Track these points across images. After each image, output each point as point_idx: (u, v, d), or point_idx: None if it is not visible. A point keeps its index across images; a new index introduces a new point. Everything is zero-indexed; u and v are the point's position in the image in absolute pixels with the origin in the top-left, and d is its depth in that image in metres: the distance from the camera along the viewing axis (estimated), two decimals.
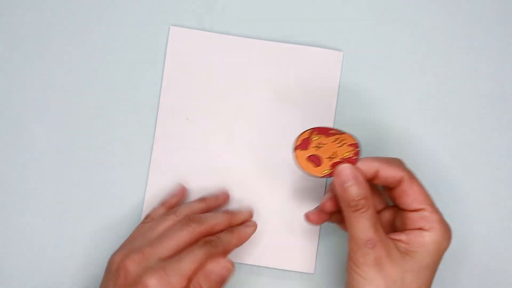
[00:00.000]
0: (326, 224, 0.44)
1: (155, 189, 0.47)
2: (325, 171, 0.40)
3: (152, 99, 0.48)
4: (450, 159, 0.48)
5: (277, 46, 0.48)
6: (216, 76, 0.48)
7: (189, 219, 0.41)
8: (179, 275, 0.37)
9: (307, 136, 0.41)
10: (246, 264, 0.47)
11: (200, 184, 0.47)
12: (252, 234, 0.43)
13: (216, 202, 0.46)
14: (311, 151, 0.40)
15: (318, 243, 0.47)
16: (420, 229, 0.39)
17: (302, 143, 0.41)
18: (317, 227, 0.47)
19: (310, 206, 0.44)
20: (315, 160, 0.40)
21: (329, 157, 0.40)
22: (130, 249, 0.39)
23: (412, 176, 0.40)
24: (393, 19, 0.49)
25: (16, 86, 0.48)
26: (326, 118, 0.48)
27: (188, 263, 0.38)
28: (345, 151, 0.40)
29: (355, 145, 0.40)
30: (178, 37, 0.48)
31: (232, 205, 0.47)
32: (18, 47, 0.48)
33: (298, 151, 0.40)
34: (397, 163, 0.41)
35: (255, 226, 0.44)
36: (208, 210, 0.45)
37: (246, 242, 0.43)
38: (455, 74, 0.49)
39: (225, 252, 0.41)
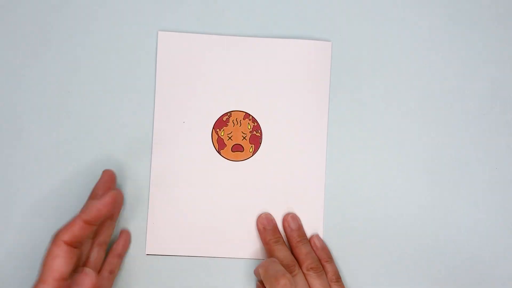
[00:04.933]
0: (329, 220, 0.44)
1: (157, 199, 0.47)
2: None
3: (147, 104, 0.48)
4: (450, 159, 0.48)
5: (265, 42, 0.48)
6: (208, 77, 0.48)
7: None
8: None
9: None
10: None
11: (202, 186, 0.47)
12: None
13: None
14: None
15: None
16: None
17: None
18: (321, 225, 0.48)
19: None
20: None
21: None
22: None
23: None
24: (393, 19, 0.49)
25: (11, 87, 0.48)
26: (320, 110, 0.48)
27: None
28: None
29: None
30: (167, 42, 0.48)
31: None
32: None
33: None
34: None
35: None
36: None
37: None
38: (455, 74, 0.49)
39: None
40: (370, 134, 0.48)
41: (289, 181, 0.48)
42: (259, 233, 0.47)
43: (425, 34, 0.49)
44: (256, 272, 0.45)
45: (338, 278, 0.45)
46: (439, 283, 0.47)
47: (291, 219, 0.47)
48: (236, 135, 0.48)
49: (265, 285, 0.42)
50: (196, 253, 0.47)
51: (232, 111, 0.48)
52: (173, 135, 0.47)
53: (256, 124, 0.48)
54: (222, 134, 0.48)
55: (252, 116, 0.48)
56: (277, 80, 0.48)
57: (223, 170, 0.47)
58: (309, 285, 0.43)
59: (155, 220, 0.47)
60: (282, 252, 0.45)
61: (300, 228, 0.46)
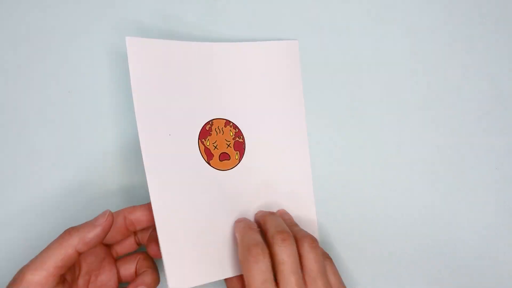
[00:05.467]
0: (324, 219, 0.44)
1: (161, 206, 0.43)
2: None
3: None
4: (450, 159, 0.48)
5: (235, 46, 0.48)
6: (184, 85, 0.45)
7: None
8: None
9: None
10: None
11: (203, 202, 0.44)
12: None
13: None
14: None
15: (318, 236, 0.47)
16: None
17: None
18: (315, 224, 0.47)
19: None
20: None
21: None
22: None
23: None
24: (394, 19, 0.49)
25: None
26: (297, 106, 0.49)
27: None
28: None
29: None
30: (137, 48, 0.44)
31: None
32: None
33: None
34: None
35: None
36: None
37: None
38: (455, 74, 0.49)
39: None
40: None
41: (278, 181, 0.47)
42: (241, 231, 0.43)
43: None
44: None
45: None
46: (439, 283, 0.47)
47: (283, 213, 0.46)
48: (221, 144, 0.46)
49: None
50: (220, 276, 0.43)
51: (213, 119, 0.46)
52: (162, 150, 0.43)
53: (237, 130, 0.47)
54: (208, 144, 0.46)
55: (233, 123, 0.47)
56: (251, 84, 0.48)
57: (216, 181, 0.45)
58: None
59: (169, 251, 0.41)
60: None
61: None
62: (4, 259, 0.47)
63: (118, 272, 0.43)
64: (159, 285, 0.44)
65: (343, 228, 0.48)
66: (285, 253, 0.38)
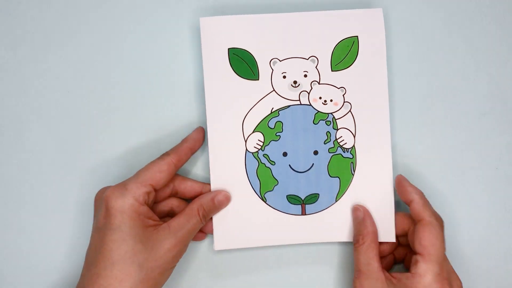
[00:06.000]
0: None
1: None
2: None
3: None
4: (450, 159, 0.48)
5: (315, 16, 0.46)
6: (261, 58, 0.46)
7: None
8: (135, 182, 0.42)
9: None
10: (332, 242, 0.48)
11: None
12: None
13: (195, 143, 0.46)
14: None
15: (394, 212, 0.46)
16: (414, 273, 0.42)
17: None
18: (392, 198, 0.46)
19: None
20: None
21: None
22: None
23: (427, 222, 0.43)
24: (393, 19, 0.49)
25: (16, 86, 0.48)
26: (380, 85, 0.46)
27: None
28: None
29: None
30: (210, 27, 0.45)
31: None
32: (19, 47, 0.48)
33: None
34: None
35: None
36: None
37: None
38: (455, 74, 0.49)
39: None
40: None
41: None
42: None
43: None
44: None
45: None
46: None
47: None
48: None
49: None
50: (266, 243, 0.46)
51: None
52: (225, 133, 0.46)
53: None
54: None
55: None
56: (332, 52, 0.46)
57: None
58: None
59: (219, 214, 0.46)
60: None
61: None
62: (4, 261, 0.47)
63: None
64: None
65: None
66: None
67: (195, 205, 0.44)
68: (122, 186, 0.42)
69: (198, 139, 0.46)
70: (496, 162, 0.49)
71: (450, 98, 0.49)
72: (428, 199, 0.47)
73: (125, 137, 0.48)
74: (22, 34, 0.48)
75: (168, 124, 0.48)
